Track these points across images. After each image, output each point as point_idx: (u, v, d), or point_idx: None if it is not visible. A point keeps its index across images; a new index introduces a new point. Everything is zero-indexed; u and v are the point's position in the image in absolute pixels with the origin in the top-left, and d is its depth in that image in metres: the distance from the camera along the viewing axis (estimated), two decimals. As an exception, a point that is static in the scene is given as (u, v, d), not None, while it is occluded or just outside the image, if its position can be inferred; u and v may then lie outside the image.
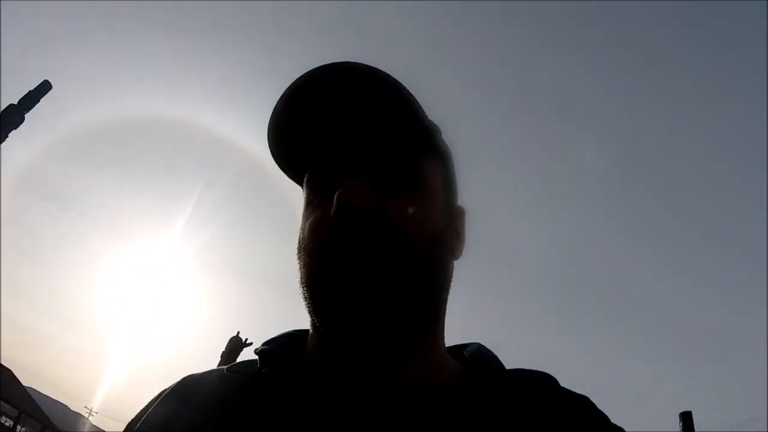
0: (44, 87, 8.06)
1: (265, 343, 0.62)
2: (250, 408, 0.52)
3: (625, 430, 0.53)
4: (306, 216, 0.61)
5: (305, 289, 0.57)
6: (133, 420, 0.60)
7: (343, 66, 0.58)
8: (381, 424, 0.48)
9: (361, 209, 0.53)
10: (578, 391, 0.57)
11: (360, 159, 0.57)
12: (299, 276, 0.59)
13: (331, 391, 0.52)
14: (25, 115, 7.46)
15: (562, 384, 0.58)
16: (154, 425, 0.56)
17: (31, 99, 7.69)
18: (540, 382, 0.57)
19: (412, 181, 0.57)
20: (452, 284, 0.62)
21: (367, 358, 0.54)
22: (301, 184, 0.65)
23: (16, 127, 7.54)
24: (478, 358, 0.61)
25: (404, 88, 0.58)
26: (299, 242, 0.61)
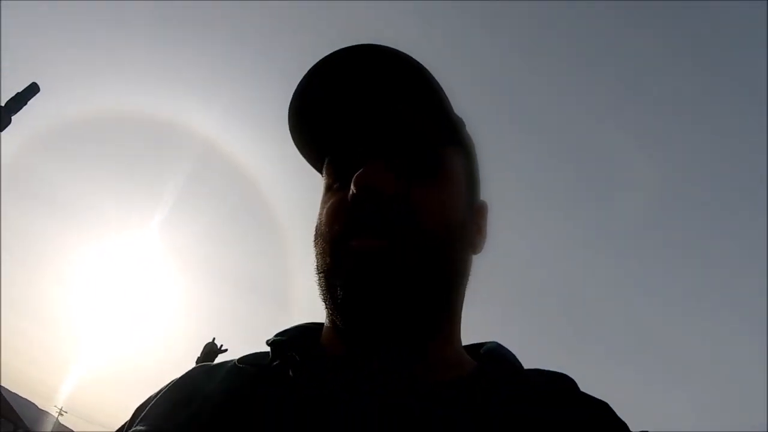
0: (32, 89, 8.19)
1: (278, 335, 0.61)
2: (257, 399, 0.51)
3: None
4: (324, 201, 0.59)
5: (321, 275, 0.56)
6: (139, 407, 0.60)
7: (369, 48, 0.55)
8: (385, 414, 0.47)
9: (381, 193, 0.51)
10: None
11: (382, 142, 0.56)
12: (315, 263, 0.58)
13: (339, 380, 0.51)
14: (12, 117, 7.55)
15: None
16: (160, 412, 0.55)
17: (19, 101, 7.82)
18: (556, 384, 0.55)
19: (434, 170, 0.56)
20: (470, 279, 0.61)
21: (381, 346, 0.53)
22: (320, 170, 0.64)
23: (3, 129, 7.64)
24: (494, 356, 0.59)
25: (432, 76, 0.56)
26: (316, 228, 0.59)
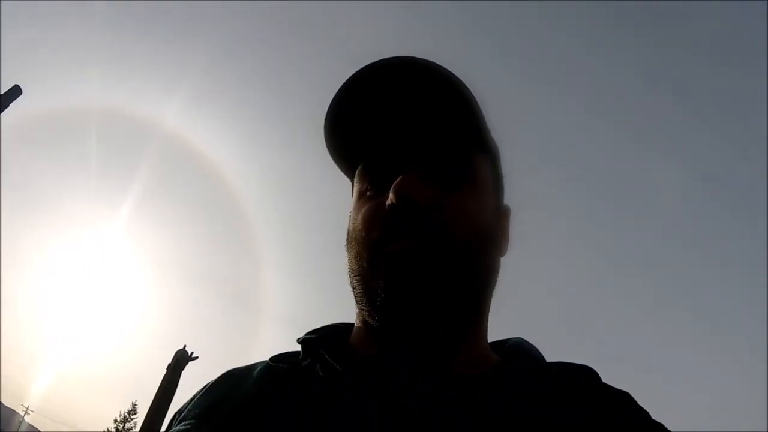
0: (14, 92, 8.56)
1: (309, 333, 0.63)
2: (287, 397, 0.52)
3: (666, 427, 0.51)
4: (358, 207, 0.61)
5: (357, 278, 0.57)
6: (177, 411, 0.62)
7: (402, 60, 0.58)
8: (386, 413, 0.48)
9: (418, 203, 0.53)
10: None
11: (415, 153, 0.58)
12: (349, 266, 0.60)
13: (368, 380, 0.52)
14: (-3, 117, 7.93)
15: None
16: (198, 413, 0.57)
17: (1, 104, 8.21)
18: (577, 377, 0.55)
19: (465, 180, 0.58)
20: (498, 279, 0.63)
21: (414, 346, 0.54)
22: (351, 177, 0.67)
23: (-15, 129, 8.06)
24: (517, 352, 0.61)
25: (464, 85, 0.59)
26: (350, 233, 0.61)
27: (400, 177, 0.54)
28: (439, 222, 0.54)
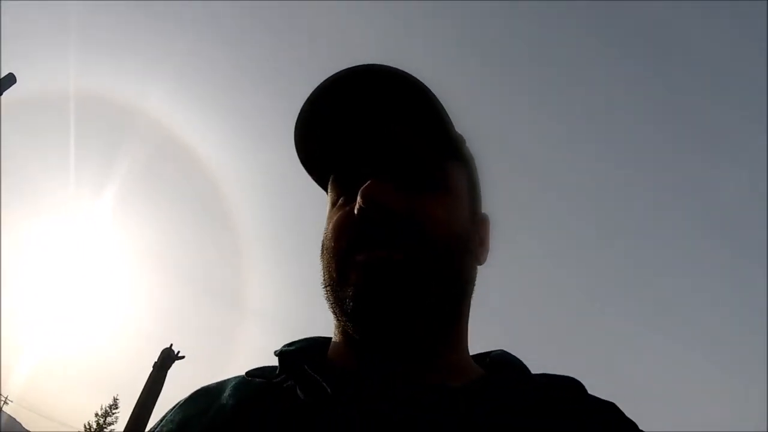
0: (8, 80, 8.31)
1: (287, 345, 0.62)
2: (264, 412, 0.52)
3: None
4: (330, 217, 0.60)
5: (329, 289, 0.57)
6: (152, 428, 0.61)
7: (370, 68, 0.57)
8: (367, 421, 0.48)
9: (386, 207, 0.53)
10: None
11: (384, 159, 0.58)
12: (322, 276, 0.59)
13: (346, 393, 0.51)
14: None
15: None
16: (174, 428, 0.56)
17: (-5, 91, 7.94)
18: (562, 388, 0.55)
19: (437, 184, 0.58)
20: (475, 289, 0.63)
21: (391, 357, 0.54)
22: (326, 188, 0.66)
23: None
24: (500, 363, 0.60)
25: (434, 95, 0.58)
26: (322, 243, 0.60)
27: (369, 181, 0.54)
28: (410, 224, 0.54)
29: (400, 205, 0.54)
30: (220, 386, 0.60)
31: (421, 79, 0.57)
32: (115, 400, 38.42)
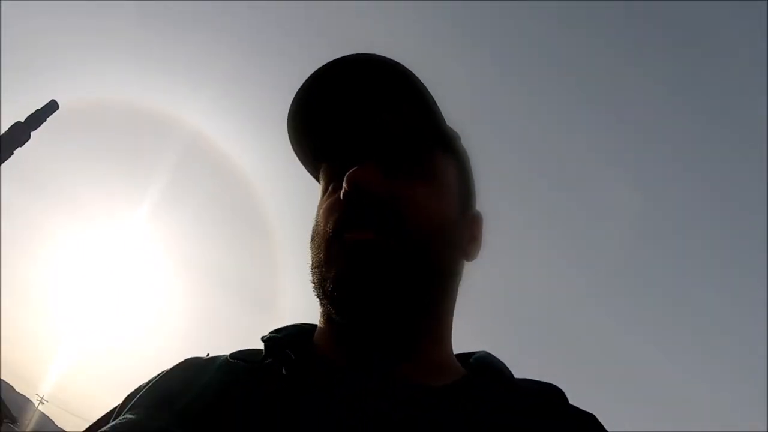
0: (51, 107, 8.80)
1: (273, 332, 0.61)
2: (247, 396, 0.51)
3: None
4: (320, 205, 0.61)
5: (315, 271, 0.57)
6: (129, 395, 0.60)
7: (360, 58, 0.58)
8: (368, 419, 0.47)
9: (370, 191, 0.53)
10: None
11: (373, 147, 0.58)
12: (311, 261, 0.59)
13: (328, 381, 0.52)
14: (32, 134, 8.16)
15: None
16: (151, 403, 0.55)
17: (38, 119, 8.44)
18: (545, 394, 0.56)
19: (423, 172, 0.58)
20: (462, 285, 0.63)
21: (372, 344, 0.54)
22: (317, 178, 0.66)
23: (21, 145, 8.27)
24: (483, 365, 0.60)
25: (425, 87, 0.58)
26: (312, 229, 0.61)
27: (355, 167, 0.55)
28: (393, 208, 0.54)
29: (384, 189, 0.55)
30: (206, 363, 0.60)
31: (412, 70, 0.58)
32: None
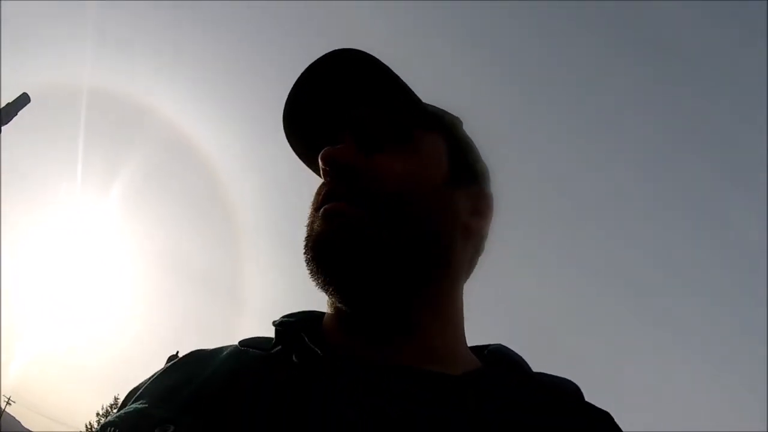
0: (23, 100, 8.78)
1: (286, 316, 0.61)
2: (258, 383, 0.51)
3: None
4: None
5: (305, 262, 0.57)
6: (134, 389, 0.60)
7: (335, 54, 0.60)
8: (359, 414, 0.46)
9: (344, 164, 0.56)
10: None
11: (349, 130, 0.61)
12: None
13: (327, 372, 0.51)
14: (2, 128, 8.21)
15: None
16: (159, 392, 0.55)
17: (9, 112, 8.46)
18: (560, 390, 0.55)
19: (397, 146, 0.60)
20: (467, 263, 0.63)
21: (377, 332, 0.55)
22: (312, 167, 0.69)
23: (-8, 138, 8.27)
24: (498, 357, 0.59)
25: (396, 75, 0.60)
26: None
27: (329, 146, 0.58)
28: (366, 178, 0.56)
29: (357, 162, 0.57)
30: (213, 353, 0.60)
31: (381, 59, 0.60)
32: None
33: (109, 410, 36.76)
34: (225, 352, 0.60)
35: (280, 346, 0.57)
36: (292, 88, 0.63)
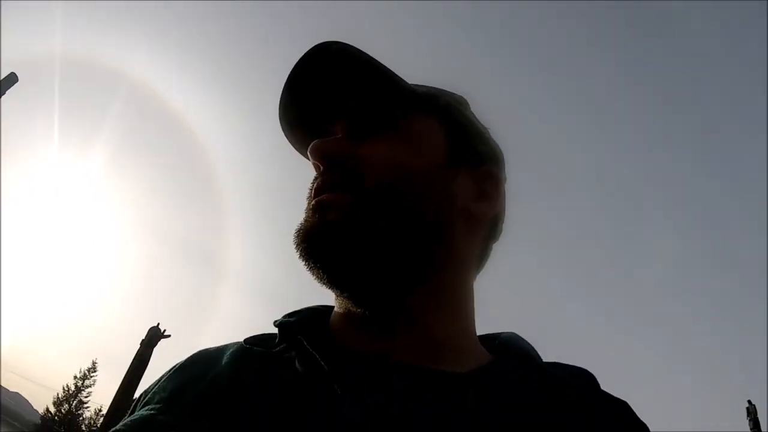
0: (10, 79, 8.18)
1: (287, 315, 0.60)
2: (261, 382, 0.51)
3: None
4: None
5: (299, 255, 0.55)
6: (143, 392, 0.59)
7: (320, 48, 0.58)
8: (362, 413, 0.45)
9: (332, 156, 0.55)
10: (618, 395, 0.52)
11: (343, 117, 0.60)
12: None
13: (342, 370, 0.49)
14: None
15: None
16: (166, 396, 0.54)
17: (-3, 91, 7.82)
18: (575, 381, 0.53)
19: (386, 131, 0.58)
20: (475, 251, 0.61)
21: (383, 328, 0.54)
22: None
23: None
24: (509, 348, 0.57)
25: (381, 63, 0.58)
26: None
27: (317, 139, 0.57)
28: (352, 166, 0.55)
29: (345, 151, 0.56)
30: (217, 352, 0.59)
31: (363, 49, 0.58)
32: (93, 363, 38.27)
33: (87, 374, 37.34)
34: (229, 351, 0.58)
35: (284, 344, 0.55)
36: (283, 92, 0.61)
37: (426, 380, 0.49)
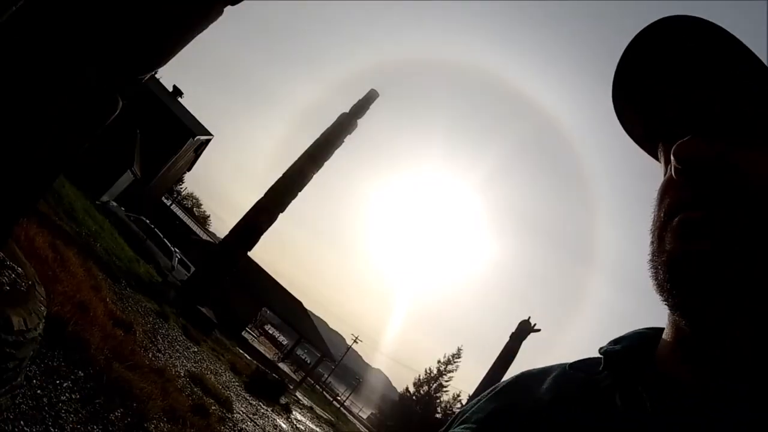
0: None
1: (612, 342, 0.56)
2: (576, 413, 0.48)
3: None
4: (659, 188, 0.52)
5: (649, 264, 0.48)
6: (461, 411, 0.60)
7: (672, 24, 0.49)
8: None
9: (701, 162, 0.44)
10: None
11: (704, 120, 0.48)
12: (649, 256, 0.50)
13: (651, 404, 0.44)
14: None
15: None
16: (484, 416, 0.55)
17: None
18: None
19: (764, 138, 0.45)
20: None
21: (725, 365, 0.43)
22: (646, 150, 0.57)
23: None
24: None
25: (741, 43, 0.46)
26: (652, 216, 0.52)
27: (683, 139, 0.46)
28: (729, 177, 0.43)
29: (716, 156, 0.44)
30: (542, 375, 0.58)
31: (728, 30, 0.47)
32: (458, 349, 39.99)
33: (450, 359, 39.72)
34: (551, 376, 0.57)
35: (605, 372, 0.53)
36: (619, 63, 0.53)
37: (743, 425, 0.40)
